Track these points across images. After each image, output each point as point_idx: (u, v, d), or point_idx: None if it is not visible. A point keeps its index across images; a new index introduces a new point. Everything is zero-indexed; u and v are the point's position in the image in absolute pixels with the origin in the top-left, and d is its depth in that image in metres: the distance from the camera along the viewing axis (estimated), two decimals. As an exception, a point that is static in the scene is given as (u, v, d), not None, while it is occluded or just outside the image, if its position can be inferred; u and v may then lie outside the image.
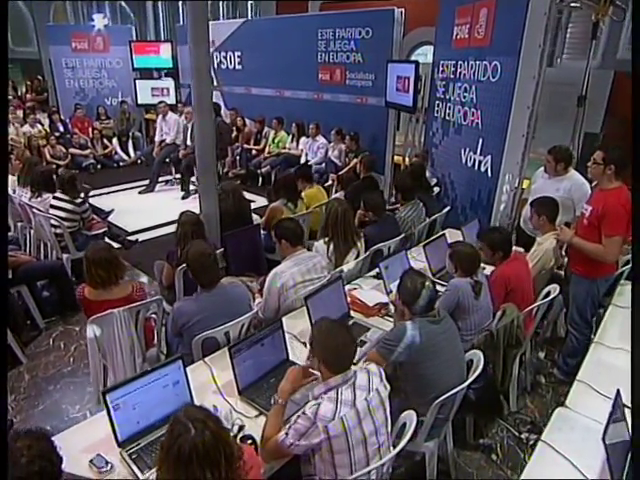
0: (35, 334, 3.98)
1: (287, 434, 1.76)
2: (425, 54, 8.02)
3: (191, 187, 7.40)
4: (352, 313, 2.85)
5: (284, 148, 7.81)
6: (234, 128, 8.65)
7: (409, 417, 1.92)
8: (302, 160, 7.33)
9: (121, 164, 9.39)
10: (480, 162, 4.43)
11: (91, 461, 1.81)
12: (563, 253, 3.34)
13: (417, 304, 2.18)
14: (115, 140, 9.58)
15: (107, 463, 1.80)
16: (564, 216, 3.48)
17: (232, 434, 1.94)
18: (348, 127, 6.81)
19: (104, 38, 9.77)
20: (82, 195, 4.89)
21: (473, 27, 4.50)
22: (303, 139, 7.47)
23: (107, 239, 5.21)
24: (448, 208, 4.48)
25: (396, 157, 6.75)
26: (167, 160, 7.99)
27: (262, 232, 4.22)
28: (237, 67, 8.80)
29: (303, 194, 4.53)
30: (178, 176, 7.90)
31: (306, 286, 2.87)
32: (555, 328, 3.89)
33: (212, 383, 2.29)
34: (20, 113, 9.70)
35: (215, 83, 9.47)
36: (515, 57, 3.85)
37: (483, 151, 4.38)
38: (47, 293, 4.27)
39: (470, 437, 2.84)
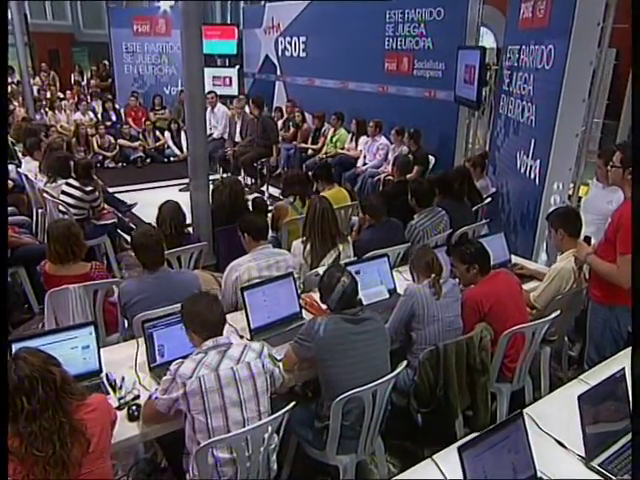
0: (27, 317, 4.89)
1: (157, 390, 2.31)
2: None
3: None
4: (305, 314, 3.26)
5: (342, 148, 8.38)
6: (290, 124, 9.44)
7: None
8: (360, 162, 7.82)
9: (172, 159, 10.55)
10: (531, 167, 4.59)
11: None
12: (587, 275, 3.42)
13: (330, 299, 2.57)
14: (167, 133, 10.84)
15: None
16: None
17: (124, 401, 2.52)
18: (413, 125, 7.17)
19: (167, 21, 11.25)
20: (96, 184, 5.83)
21: (537, 3, 4.72)
22: (363, 138, 7.97)
23: (119, 231, 6.17)
24: (486, 220, 4.68)
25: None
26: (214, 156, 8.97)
27: (270, 232, 4.79)
28: (301, 54, 9.66)
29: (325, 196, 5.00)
30: (225, 175, 8.80)
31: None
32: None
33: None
34: (75, 100, 11.43)
35: (278, 72, 10.44)
36: (567, 39, 4.03)
37: (534, 154, 4.55)
38: (45, 279, 5.21)
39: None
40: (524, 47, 4.99)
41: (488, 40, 9.83)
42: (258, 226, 3.52)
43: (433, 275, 3.01)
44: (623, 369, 2.34)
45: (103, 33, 14.57)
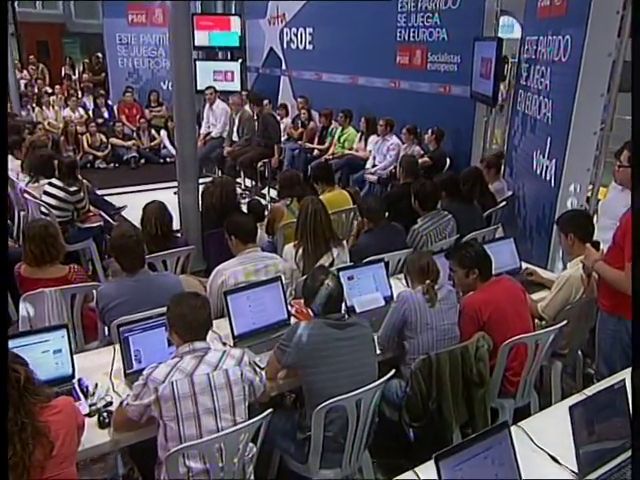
0: (4, 326, 5.06)
1: (128, 395, 2.45)
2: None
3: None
4: (294, 321, 3.37)
5: (351, 148, 8.52)
6: (299, 123, 9.62)
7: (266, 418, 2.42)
8: (369, 164, 7.95)
9: (168, 160, 10.72)
10: (547, 168, 4.69)
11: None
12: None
13: (314, 303, 2.71)
14: (164, 132, 11.04)
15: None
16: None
17: (95, 408, 2.66)
18: (427, 124, 7.31)
19: (164, 10, 11.47)
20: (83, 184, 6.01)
21: (555, -11, 4.84)
22: (373, 138, 8.09)
23: (106, 235, 6.35)
24: (496, 226, 4.77)
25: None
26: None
27: (266, 236, 4.94)
28: (308, 47, 9.89)
29: (320, 198, 5.13)
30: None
31: (250, 287, 3.47)
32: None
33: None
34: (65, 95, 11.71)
35: (283, 66, 10.64)
36: (584, 28, 4.13)
37: (550, 154, 4.65)
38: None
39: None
40: (542, 38, 5.10)
41: (517, 30, 9.88)
42: (246, 228, 3.65)
43: (428, 281, 3.11)
44: (623, 380, 2.42)
45: (97, 23, 14.92)
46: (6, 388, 1.97)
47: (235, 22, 11.39)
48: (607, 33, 4.10)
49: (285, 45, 10.45)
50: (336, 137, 8.80)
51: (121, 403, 2.53)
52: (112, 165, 10.43)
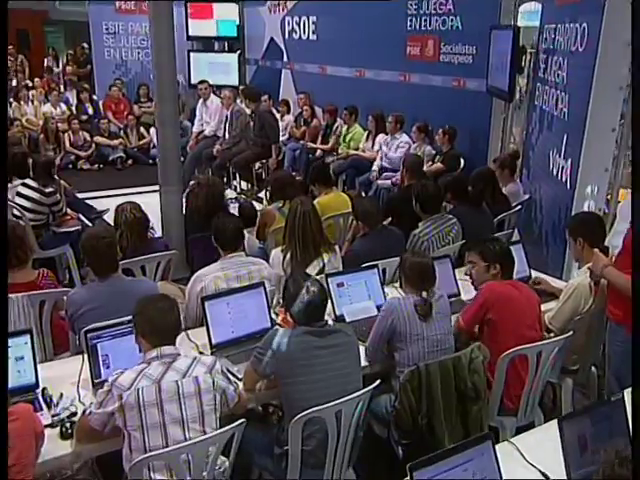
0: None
1: (92, 403, 2.58)
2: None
3: (230, 193, 8.49)
4: (275, 329, 3.51)
5: (357, 148, 8.66)
6: (302, 121, 9.79)
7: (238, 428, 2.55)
8: (376, 165, 8.08)
9: (158, 160, 10.89)
10: (563, 169, 4.80)
11: None
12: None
13: (294, 309, 2.82)
14: (154, 130, 11.22)
15: None
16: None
17: (58, 418, 2.78)
18: (439, 121, 7.44)
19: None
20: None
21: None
22: (381, 137, 8.24)
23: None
24: (508, 231, 4.88)
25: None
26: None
27: (257, 242, 5.09)
28: (311, 37, 10.07)
29: (317, 201, 5.26)
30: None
31: (231, 295, 3.60)
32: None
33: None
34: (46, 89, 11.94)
35: (285, 58, 10.83)
36: (600, 15, 4.25)
37: (567, 153, 4.76)
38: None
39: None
40: (559, 26, 5.23)
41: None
42: (229, 232, 3.79)
43: (424, 293, 3.22)
44: (621, 393, 2.52)
45: (82, 11, 15.20)
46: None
47: (230, 9, 11.58)
48: (626, 20, 4.17)
49: (287, 35, 10.66)
50: (341, 136, 8.95)
51: (84, 412, 2.66)
52: (96, 166, 10.58)
